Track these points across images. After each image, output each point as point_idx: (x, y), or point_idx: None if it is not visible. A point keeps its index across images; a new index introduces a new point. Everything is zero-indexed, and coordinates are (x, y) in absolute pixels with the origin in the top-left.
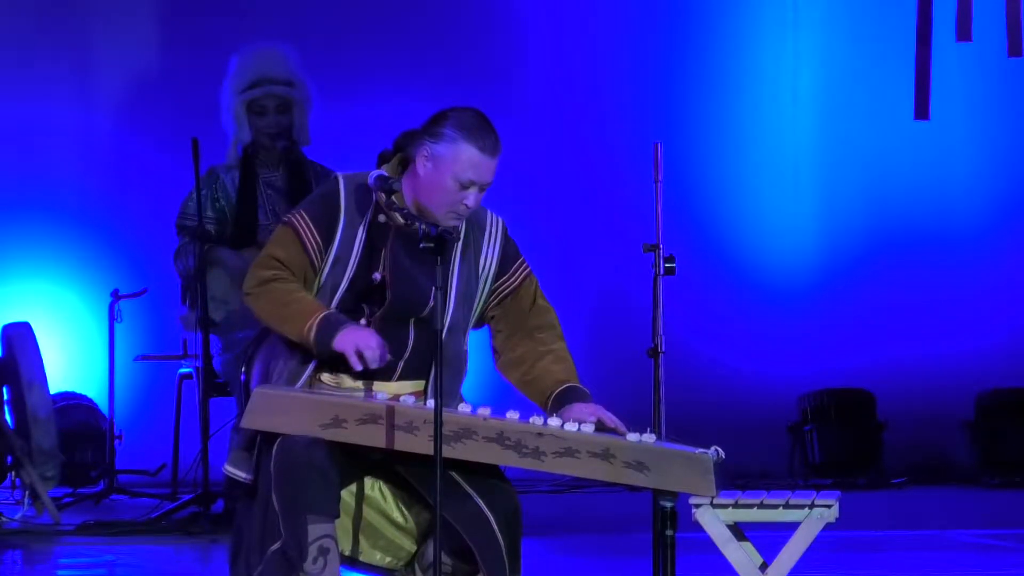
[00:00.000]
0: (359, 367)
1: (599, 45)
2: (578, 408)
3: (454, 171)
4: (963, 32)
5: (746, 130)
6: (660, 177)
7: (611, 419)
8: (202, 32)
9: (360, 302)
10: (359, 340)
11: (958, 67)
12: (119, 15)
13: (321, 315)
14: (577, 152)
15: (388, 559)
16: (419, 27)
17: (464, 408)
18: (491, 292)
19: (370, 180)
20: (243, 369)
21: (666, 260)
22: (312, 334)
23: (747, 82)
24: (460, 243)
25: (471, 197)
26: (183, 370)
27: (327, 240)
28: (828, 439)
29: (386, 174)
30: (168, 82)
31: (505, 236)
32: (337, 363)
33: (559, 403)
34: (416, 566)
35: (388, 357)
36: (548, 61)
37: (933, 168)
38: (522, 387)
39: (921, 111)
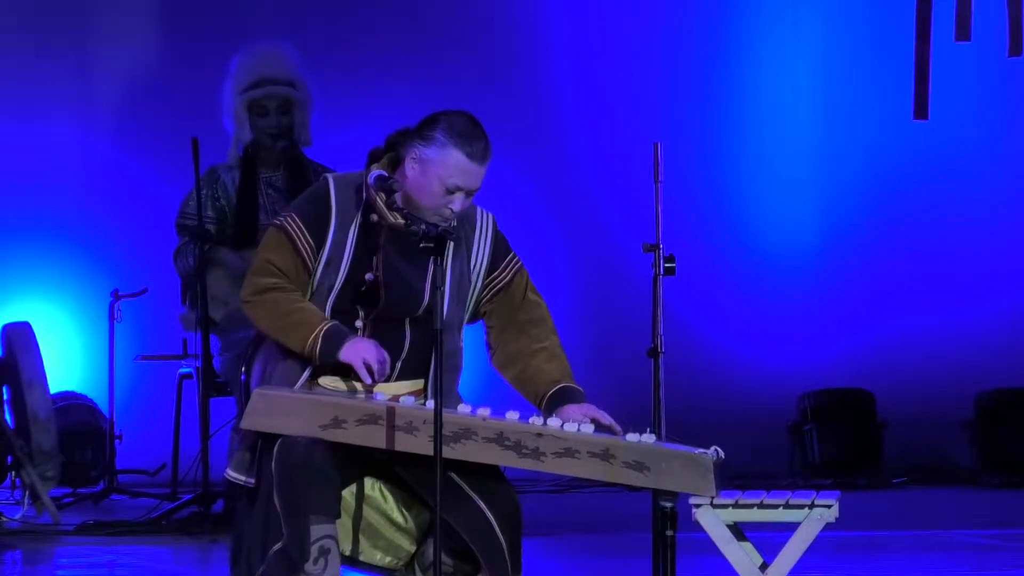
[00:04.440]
0: (368, 380)
1: (599, 45)
2: (571, 410)
3: (440, 176)
4: (962, 31)
5: (746, 130)
6: (660, 177)
7: (605, 417)
8: (202, 32)
9: (354, 303)
10: (366, 353)
11: (958, 67)
12: (119, 15)
13: (325, 327)
14: (577, 152)
15: (388, 559)
16: (419, 27)
17: (464, 408)
18: (484, 287)
19: (370, 180)
20: (243, 369)
21: (666, 260)
22: (317, 346)
23: (747, 82)
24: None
25: (457, 202)
26: (183, 370)
27: (319, 242)
28: (828, 439)
29: (385, 174)
30: (168, 82)
31: (496, 231)
32: (337, 367)
33: (553, 404)
34: (416, 566)
35: (387, 370)
36: (547, 61)
37: (933, 168)
38: (517, 385)
39: (920, 110)
